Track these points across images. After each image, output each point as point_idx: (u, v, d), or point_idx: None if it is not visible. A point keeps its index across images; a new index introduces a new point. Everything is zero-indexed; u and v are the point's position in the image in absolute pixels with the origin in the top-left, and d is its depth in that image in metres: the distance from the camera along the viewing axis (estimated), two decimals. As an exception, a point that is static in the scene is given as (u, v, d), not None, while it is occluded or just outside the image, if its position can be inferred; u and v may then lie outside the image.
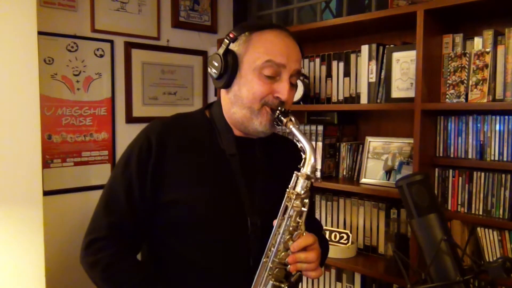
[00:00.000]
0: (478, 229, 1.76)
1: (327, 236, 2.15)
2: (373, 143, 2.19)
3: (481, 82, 1.75)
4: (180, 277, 1.10)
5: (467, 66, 1.80)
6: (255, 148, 1.18)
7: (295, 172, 1.04)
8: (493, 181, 1.75)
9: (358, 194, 2.18)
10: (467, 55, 1.80)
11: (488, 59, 1.74)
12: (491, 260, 1.71)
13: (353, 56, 2.20)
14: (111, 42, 2.49)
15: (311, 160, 1.02)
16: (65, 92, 2.33)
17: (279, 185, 1.06)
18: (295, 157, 1.07)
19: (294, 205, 1.02)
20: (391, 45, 2.07)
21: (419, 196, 0.99)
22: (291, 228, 1.03)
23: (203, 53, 2.89)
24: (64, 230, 2.30)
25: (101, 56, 2.46)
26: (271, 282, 1.03)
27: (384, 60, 2.07)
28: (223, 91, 1.15)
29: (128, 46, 2.56)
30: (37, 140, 1.80)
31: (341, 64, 2.25)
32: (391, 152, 2.12)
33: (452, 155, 1.89)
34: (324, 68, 2.32)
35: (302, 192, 1.02)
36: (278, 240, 1.03)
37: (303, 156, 1.04)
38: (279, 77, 1.08)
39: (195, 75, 2.88)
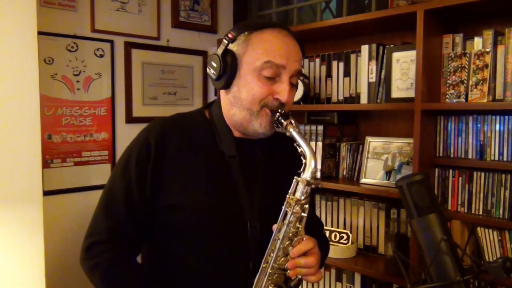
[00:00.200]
0: (478, 229, 1.76)
1: (327, 236, 2.15)
2: (373, 143, 2.19)
3: (481, 82, 1.75)
4: (179, 280, 1.09)
5: (467, 66, 1.80)
6: (255, 150, 1.16)
7: (295, 177, 1.02)
8: (493, 181, 1.75)
9: (358, 194, 2.18)
10: (467, 55, 1.80)
11: (488, 59, 1.74)
12: (491, 260, 1.71)
13: (353, 56, 2.20)
14: (111, 42, 2.49)
15: (312, 165, 1.00)
16: (65, 92, 2.33)
17: (279, 187, 1.05)
18: (296, 154, 1.04)
19: (294, 211, 1.01)
20: (391, 45, 2.07)
21: (419, 196, 0.99)
22: (290, 234, 1.02)
23: (203, 53, 2.89)
24: (64, 230, 2.30)
25: (101, 56, 2.46)
26: (270, 287, 1.02)
27: (384, 60, 2.07)
28: (222, 92, 1.14)
29: (128, 46, 2.55)
30: (37, 140, 1.80)
31: (341, 64, 2.25)
32: (391, 152, 2.12)
33: (452, 155, 1.89)
34: (324, 68, 2.32)
35: (302, 198, 1.01)
36: (277, 245, 1.02)
37: (304, 161, 1.01)
38: (279, 78, 1.06)
39: (195, 75, 2.87)
